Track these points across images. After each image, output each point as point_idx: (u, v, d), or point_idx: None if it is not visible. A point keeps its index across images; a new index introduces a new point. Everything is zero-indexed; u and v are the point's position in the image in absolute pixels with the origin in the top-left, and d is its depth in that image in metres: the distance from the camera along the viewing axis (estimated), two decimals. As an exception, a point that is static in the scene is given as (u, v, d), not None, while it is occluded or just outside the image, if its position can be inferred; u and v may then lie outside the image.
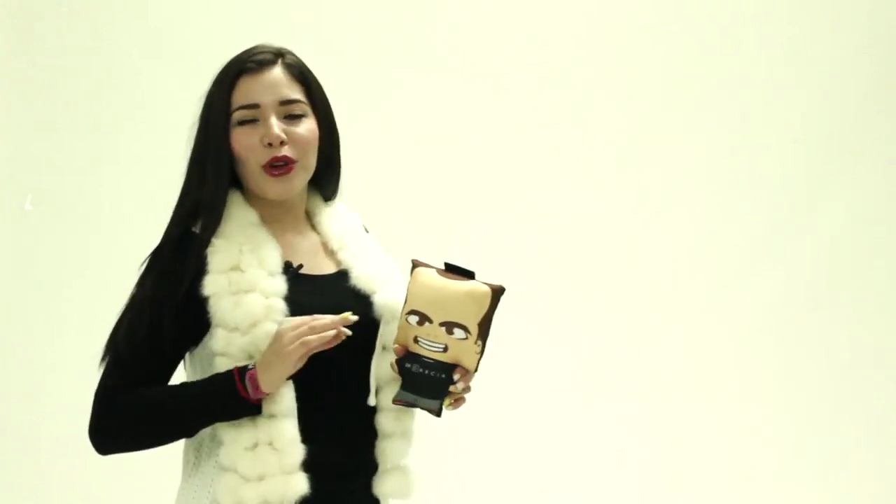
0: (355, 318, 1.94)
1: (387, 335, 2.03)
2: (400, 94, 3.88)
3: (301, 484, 1.92)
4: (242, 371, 1.92)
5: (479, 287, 1.93)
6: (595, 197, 3.95)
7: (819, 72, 4.01)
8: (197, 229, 2.00)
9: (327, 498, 1.96)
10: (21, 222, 3.79)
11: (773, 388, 3.98)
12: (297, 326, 1.91)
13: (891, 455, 4.00)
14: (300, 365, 1.92)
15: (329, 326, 1.92)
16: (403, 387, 1.96)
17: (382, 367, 2.03)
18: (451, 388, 1.95)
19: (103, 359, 2.00)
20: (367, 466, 2.05)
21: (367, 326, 2.02)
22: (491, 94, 3.92)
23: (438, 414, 1.97)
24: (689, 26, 3.99)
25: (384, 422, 2.04)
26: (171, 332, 1.95)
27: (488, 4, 3.96)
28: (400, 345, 1.96)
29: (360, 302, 2.03)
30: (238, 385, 1.91)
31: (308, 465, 1.94)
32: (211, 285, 1.95)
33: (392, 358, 1.99)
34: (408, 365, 1.95)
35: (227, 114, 2.02)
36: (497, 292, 1.93)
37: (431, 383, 1.94)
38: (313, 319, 1.91)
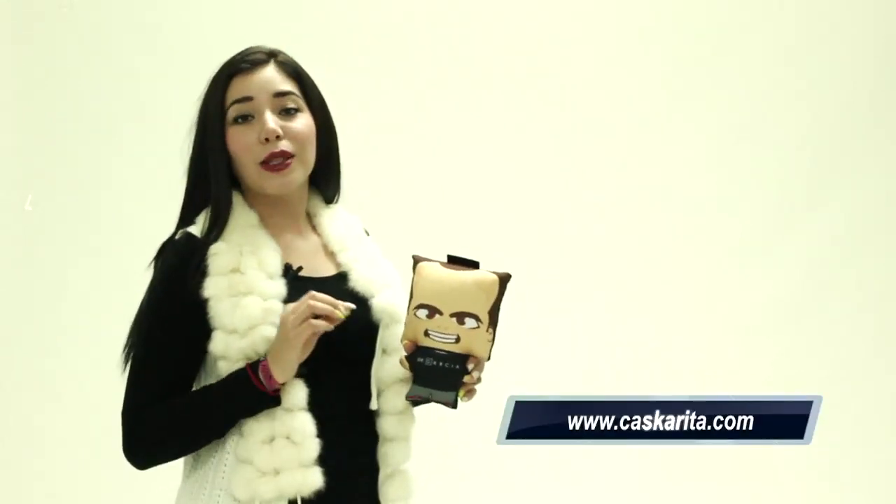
0: (353, 306, 1.94)
1: (386, 339, 2.03)
2: (396, 92, 3.88)
3: (317, 477, 1.93)
4: (255, 364, 1.92)
5: (486, 276, 1.95)
6: (595, 196, 3.95)
7: (820, 72, 4.01)
8: (196, 231, 2.00)
9: (329, 501, 1.96)
10: (21, 222, 3.79)
11: (771, 387, 3.98)
12: (297, 308, 1.91)
13: (889, 454, 4.00)
14: (309, 349, 1.92)
15: (329, 303, 1.91)
16: (416, 381, 1.96)
17: (383, 371, 2.03)
18: (466, 379, 1.95)
19: (124, 366, 2.01)
20: (369, 470, 2.05)
21: (367, 330, 2.03)
22: (489, 94, 3.92)
23: (454, 405, 1.96)
24: (690, 25, 4.00)
25: (386, 426, 2.04)
26: (179, 337, 1.95)
27: (489, 4, 3.97)
28: (409, 340, 1.96)
29: (359, 305, 2.02)
30: (252, 378, 1.92)
31: None
32: (211, 288, 1.95)
33: (395, 358, 1.99)
34: (420, 359, 1.95)
35: (223, 113, 2.03)
36: (504, 280, 1.95)
37: (446, 375, 1.94)
38: (311, 297, 1.91)
